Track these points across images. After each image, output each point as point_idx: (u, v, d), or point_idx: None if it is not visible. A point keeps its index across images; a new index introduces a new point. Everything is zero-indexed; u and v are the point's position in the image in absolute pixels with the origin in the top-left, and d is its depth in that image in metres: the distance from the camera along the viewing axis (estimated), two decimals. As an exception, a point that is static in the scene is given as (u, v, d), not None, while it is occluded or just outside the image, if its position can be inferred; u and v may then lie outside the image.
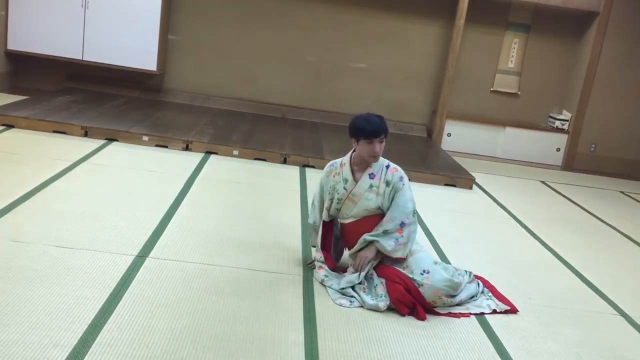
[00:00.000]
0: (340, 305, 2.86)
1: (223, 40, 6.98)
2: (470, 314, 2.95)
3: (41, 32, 6.41)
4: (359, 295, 2.91)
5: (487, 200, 5.22)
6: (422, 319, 2.83)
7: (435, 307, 2.92)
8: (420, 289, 2.87)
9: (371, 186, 2.98)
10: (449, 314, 2.92)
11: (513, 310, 3.05)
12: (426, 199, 4.86)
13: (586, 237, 4.58)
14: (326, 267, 3.07)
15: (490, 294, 3.14)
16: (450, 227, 4.30)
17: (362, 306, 2.87)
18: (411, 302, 2.86)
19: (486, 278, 3.34)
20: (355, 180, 3.01)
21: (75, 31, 6.43)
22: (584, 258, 4.09)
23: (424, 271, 2.89)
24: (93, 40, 6.46)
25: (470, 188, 5.45)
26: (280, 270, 3.14)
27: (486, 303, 3.05)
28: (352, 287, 2.96)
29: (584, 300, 3.39)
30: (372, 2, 6.98)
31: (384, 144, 2.97)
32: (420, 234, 3.98)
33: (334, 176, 3.07)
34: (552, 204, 5.45)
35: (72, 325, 2.35)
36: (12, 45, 6.46)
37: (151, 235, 3.31)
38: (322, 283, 3.02)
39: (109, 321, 2.42)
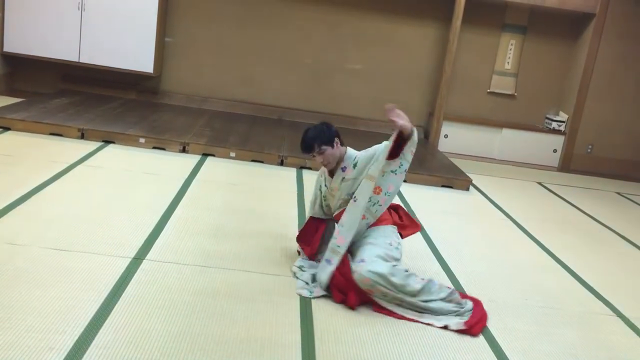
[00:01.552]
0: (300, 294, 2.91)
1: (220, 42, 6.98)
2: (415, 320, 2.84)
3: (37, 35, 6.40)
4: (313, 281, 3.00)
5: (484, 201, 5.22)
6: (350, 305, 2.86)
7: (375, 298, 2.87)
8: (353, 275, 2.86)
9: (343, 178, 3.12)
10: (390, 313, 2.85)
11: (470, 333, 2.82)
12: (423, 200, 4.87)
13: (583, 238, 4.58)
14: (303, 256, 3.22)
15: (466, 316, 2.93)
16: (447, 228, 4.30)
17: (322, 296, 2.93)
18: (345, 287, 2.89)
19: (483, 278, 3.34)
20: (331, 177, 3.19)
21: (71, 33, 6.43)
22: (581, 259, 4.09)
23: (361, 260, 2.91)
24: (89, 43, 6.46)
25: (467, 189, 5.46)
26: (277, 272, 3.13)
27: (448, 322, 2.85)
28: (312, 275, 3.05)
29: (580, 301, 3.39)
30: (369, 3, 6.99)
31: (329, 152, 3.07)
32: (416, 235, 3.98)
33: (321, 177, 3.30)
34: (549, 205, 5.46)
35: (68, 327, 2.35)
36: (8, 48, 6.45)
37: (148, 238, 3.31)
38: (294, 275, 3.09)
39: (105, 324, 2.42)
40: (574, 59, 7.22)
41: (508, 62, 7.26)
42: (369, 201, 2.99)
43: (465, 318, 2.88)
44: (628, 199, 6.18)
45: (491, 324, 2.93)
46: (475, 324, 2.86)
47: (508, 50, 7.22)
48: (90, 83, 6.88)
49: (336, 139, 3.08)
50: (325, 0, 6.95)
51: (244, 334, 2.51)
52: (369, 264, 2.85)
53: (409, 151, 3.01)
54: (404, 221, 3.24)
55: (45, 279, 2.69)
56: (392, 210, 3.25)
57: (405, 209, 3.36)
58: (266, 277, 3.06)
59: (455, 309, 2.92)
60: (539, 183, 6.29)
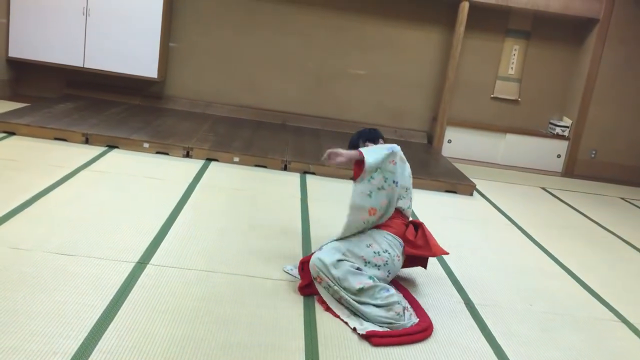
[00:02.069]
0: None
1: (223, 47, 7.00)
2: (343, 320, 2.77)
3: (42, 40, 6.43)
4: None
5: (488, 206, 5.22)
6: (299, 291, 2.98)
7: (322, 287, 2.88)
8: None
9: None
10: (327, 307, 2.85)
11: (368, 341, 2.66)
12: (427, 205, 4.86)
13: (587, 244, 4.57)
14: None
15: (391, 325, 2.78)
16: (451, 233, 4.29)
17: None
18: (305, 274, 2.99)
19: (487, 283, 3.33)
20: None
21: (76, 38, 6.45)
22: (585, 264, 4.08)
23: (320, 248, 2.98)
24: (94, 48, 6.49)
25: (471, 194, 5.45)
26: (281, 277, 3.13)
27: (357, 324, 2.76)
28: None
29: (585, 307, 3.38)
30: (372, 8, 7.00)
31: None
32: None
33: None
34: (553, 211, 5.44)
35: (72, 332, 2.35)
36: (13, 53, 6.48)
37: (152, 242, 3.31)
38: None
39: (109, 328, 2.42)
40: (578, 64, 7.22)
41: (512, 68, 7.26)
42: (366, 222, 3.00)
43: (381, 329, 2.72)
44: (632, 204, 6.16)
45: (495, 330, 2.93)
46: (378, 336, 2.65)
47: (512, 55, 7.22)
48: (95, 88, 6.90)
49: (380, 140, 3.18)
50: (328, 6, 6.96)
51: (248, 339, 2.51)
52: (322, 252, 2.92)
53: (380, 168, 2.93)
54: (417, 240, 3.09)
55: (49, 283, 2.70)
56: (411, 225, 3.15)
57: (429, 231, 3.17)
58: (270, 283, 3.05)
59: (389, 320, 2.74)
60: (543, 188, 6.28)
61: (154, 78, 6.64)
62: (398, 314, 2.78)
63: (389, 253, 2.98)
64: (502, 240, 4.35)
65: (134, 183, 4.33)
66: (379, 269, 2.94)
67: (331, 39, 7.06)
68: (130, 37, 6.49)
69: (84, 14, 6.40)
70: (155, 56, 6.56)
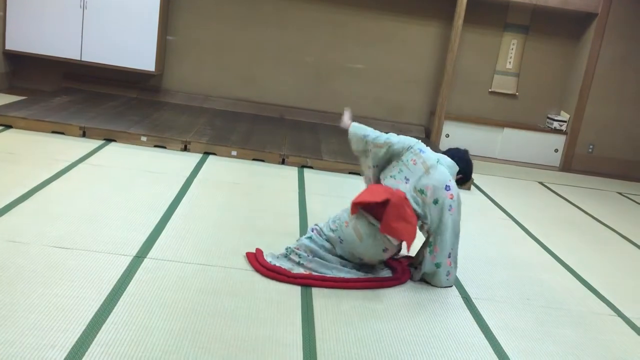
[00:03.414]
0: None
1: (221, 41, 6.98)
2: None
3: (39, 33, 6.40)
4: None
5: (485, 201, 5.22)
6: None
7: None
8: None
9: None
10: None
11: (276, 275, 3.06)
12: (424, 199, 4.86)
13: (584, 238, 4.58)
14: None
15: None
16: (449, 227, 4.29)
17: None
18: None
19: (484, 277, 3.33)
20: None
21: (73, 31, 6.43)
22: (582, 259, 4.09)
23: None
24: (91, 41, 6.46)
25: (469, 189, 5.46)
26: (279, 271, 3.13)
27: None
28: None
29: (581, 301, 3.39)
30: (370, 2, 6.99)
31: None
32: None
33: None
34: (550, 205, 5.46)
35: (70, 325, 2.35)
36: (10, 46, 6.46)
37: (149, 236, 3.31)
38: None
39: (107, 321, 2.42)
40: (576, 59, 7.21)
41: (510, 62, 7.25)
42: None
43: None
44: (629, 198, 6.18)
45: (492, 323, 2.94)
46: (255, 259, 3.16)
47: (510, 49, 7.22)
48: (92, 81, 6.88)
49: (462, 175, 3.71)
50: (327, 0, 6.95)
51: (245, 332, 2.51)
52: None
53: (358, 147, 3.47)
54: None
55: (46, 277, 2.70)
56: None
57: (396, 212, 3.10)
58: (267, 276, 3.06)
59: (276, 258, 3.19)
60: (541, 183, 6.29)
61: (152, 71, 6.62)
62: (277, 256, 3.20)
63: (340, 219, 3.24)
64: (499, 234, 4.35)
65: (131, 176, 4.32)
66: (333, 233, 3.24)
67: (330, 33, 7.04)
68: (127, 30, 6.46)
69: (81, 7, 6.37)
70: (152, 49, 6.54)
